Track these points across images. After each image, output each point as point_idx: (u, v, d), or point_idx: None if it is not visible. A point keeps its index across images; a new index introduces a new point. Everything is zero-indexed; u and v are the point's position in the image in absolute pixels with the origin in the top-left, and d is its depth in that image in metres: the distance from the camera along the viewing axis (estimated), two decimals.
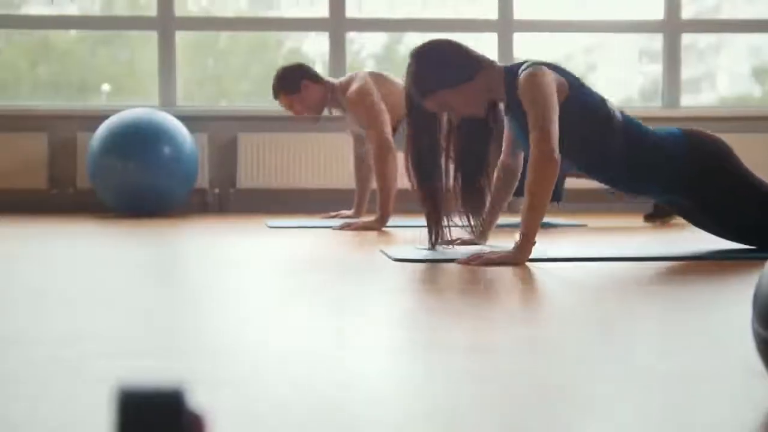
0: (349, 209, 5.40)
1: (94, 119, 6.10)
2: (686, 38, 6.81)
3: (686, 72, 6.88)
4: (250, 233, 4.39)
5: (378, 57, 7.50)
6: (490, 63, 3.15)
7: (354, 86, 4.81)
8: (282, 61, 5.98)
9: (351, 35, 6.80)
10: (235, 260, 3.17)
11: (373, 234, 4.36)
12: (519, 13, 6.61)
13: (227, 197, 6.45)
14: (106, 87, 6.98)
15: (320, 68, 6.33)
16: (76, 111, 6.43)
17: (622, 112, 3.15)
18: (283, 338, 1.72)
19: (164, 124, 5.75)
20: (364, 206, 5.29)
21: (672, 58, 6.67)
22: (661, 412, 1.19)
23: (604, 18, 6.85)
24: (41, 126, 6.35)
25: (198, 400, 1.24)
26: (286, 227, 4.80)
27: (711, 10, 7.67)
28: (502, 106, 3.18)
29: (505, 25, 6.60)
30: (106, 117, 5.85)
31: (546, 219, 5.07)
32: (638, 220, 4.95)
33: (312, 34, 6.67)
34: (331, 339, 1.72)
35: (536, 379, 1.38)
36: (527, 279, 2.62)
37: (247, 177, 6.37)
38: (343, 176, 6.19)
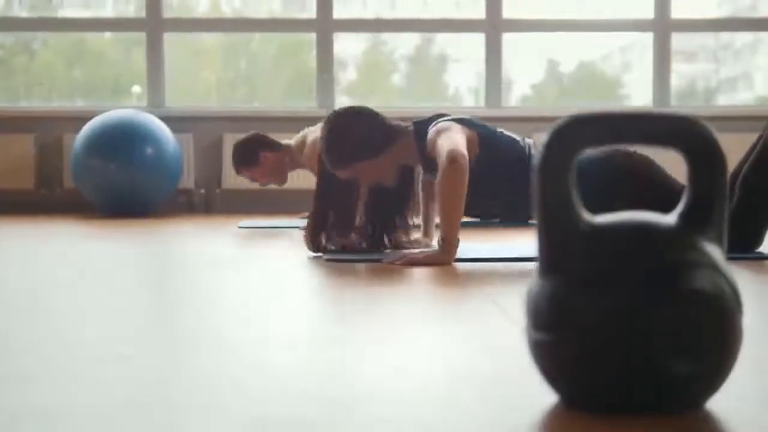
0: None
1: (81, 120, 6.15)
2: (723, 37, 6.73)
3: (723, 72, 6.81)
4: (221, 235, 4.40)
5: (410, 58, 7.53)
6: (403, 131, 3.17)
7: (309, 142, 4.83)
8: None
9: (384, 37, 6.82)
10: (186, 261, 3.18)
11: None
12: (508, 12, 6.58)
13: (213, 198, 6.47)
14: (136, 88, 7.03)
15: (351, 68, 6.38)
16: (64, 112, 6.48)
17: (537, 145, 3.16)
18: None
19: (147, 124, 5.78)
20: None
21: (662, 57, 6.61)
22: (438, 410, 1.18)
23: (594, 17, 6.80)
24: (29, 127, 6.41)
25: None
26: (257, 227, 4.82)
27: (747, 9, 7.59)
28: (419, 170, 3.24)
29: (493, 25, 6.56)
30: (93, 118, 5.89)
31: None
32: None
33: (342, 35, 6.67)
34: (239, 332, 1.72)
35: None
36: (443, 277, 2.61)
37: (233, 177, 6.38)
38: None
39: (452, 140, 2.94)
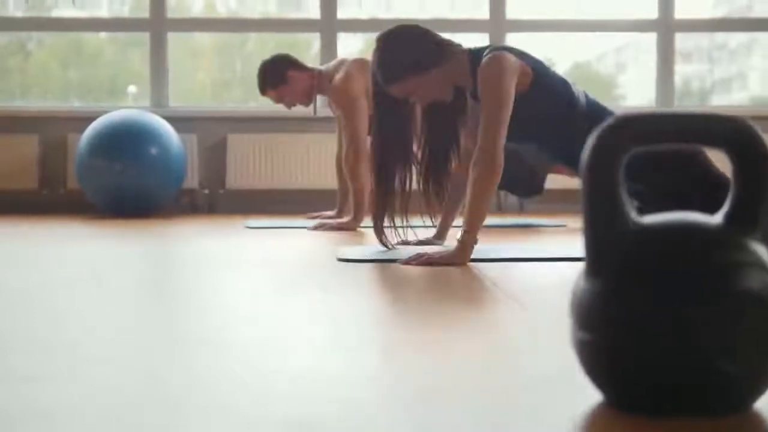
0: (334, 210, 5.40)
1: (85, 121, 6.13)
2: (718, 38, 6.71)
3: (718, 72, 6.80)
4: (227, 235, 4.39)
5: None
6: (457, 49, 3.13)
7: (340, 74, 4.78)
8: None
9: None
10: (193, 261, 3.17)
11: (348, 234, 4.36)
12: (511, 12, 6.57)
13: (217, 198, 6.46)
14: (132, 88, 7.02)
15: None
16: (67, 112, 6.47)
17: (586, 95, 3.13)
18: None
19: (151, 124, 5.77)
20: (346, 207, 5.28)
21: (665, 57, 6.61)
22: (480, 414, 1.18)
23: (597, 18, 6.81)
24: (32, 127, 6.39)
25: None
26: (264, 228, 4.81)
27: (743, 9, 7.59)
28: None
29: (497, 25, 6.56)
30: (97, 118, 5.88)
31: (527, 220, 5.08)
32: None
33: (342, 35, 6.67)
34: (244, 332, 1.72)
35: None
36: (463, 279, 2.60)
37: (237, 178, 6.39)
38: (333, 177, 6.17)
39: (500, 97, 2.89)
